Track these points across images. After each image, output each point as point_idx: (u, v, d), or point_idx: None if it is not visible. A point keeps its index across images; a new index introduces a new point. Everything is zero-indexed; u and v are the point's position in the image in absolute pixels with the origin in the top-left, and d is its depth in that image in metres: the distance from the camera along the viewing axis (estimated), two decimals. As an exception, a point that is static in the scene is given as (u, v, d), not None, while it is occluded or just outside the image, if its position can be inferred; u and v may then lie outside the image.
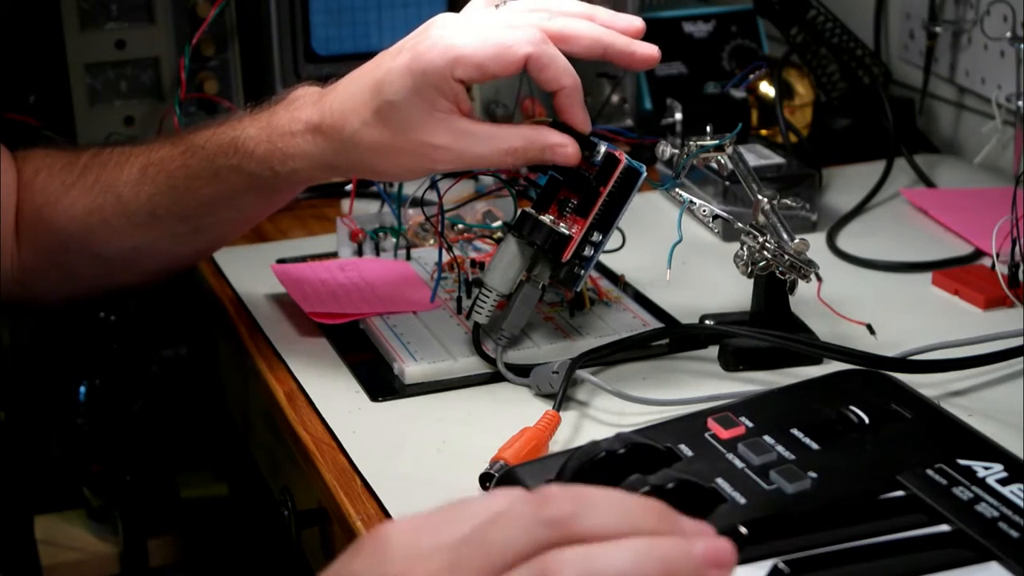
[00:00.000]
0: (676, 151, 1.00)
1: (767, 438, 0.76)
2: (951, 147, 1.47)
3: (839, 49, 1.43)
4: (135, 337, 1.42)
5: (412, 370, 0.96)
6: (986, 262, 1.15)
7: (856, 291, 1.10)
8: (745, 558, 0.64)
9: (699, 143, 0.99)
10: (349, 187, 1.20)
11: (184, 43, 1.32)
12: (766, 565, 0.64)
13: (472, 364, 0.97)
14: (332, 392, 0.96)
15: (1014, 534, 0.66)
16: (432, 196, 1.04)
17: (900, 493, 0.70)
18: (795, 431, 0.76)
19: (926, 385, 0.92)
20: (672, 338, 1.01)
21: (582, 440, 0.84)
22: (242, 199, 0.99)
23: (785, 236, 0.96)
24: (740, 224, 0.97)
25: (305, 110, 0.94)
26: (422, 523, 0.58)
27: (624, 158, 0.92)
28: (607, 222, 0.92)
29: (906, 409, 0.79)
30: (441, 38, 0.88)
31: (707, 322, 1.02)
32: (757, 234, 0.96)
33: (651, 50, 0.91)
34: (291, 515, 0.95)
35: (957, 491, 0.70)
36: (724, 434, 0.77)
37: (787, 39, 1.43)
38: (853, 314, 1.01)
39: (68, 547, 1.49)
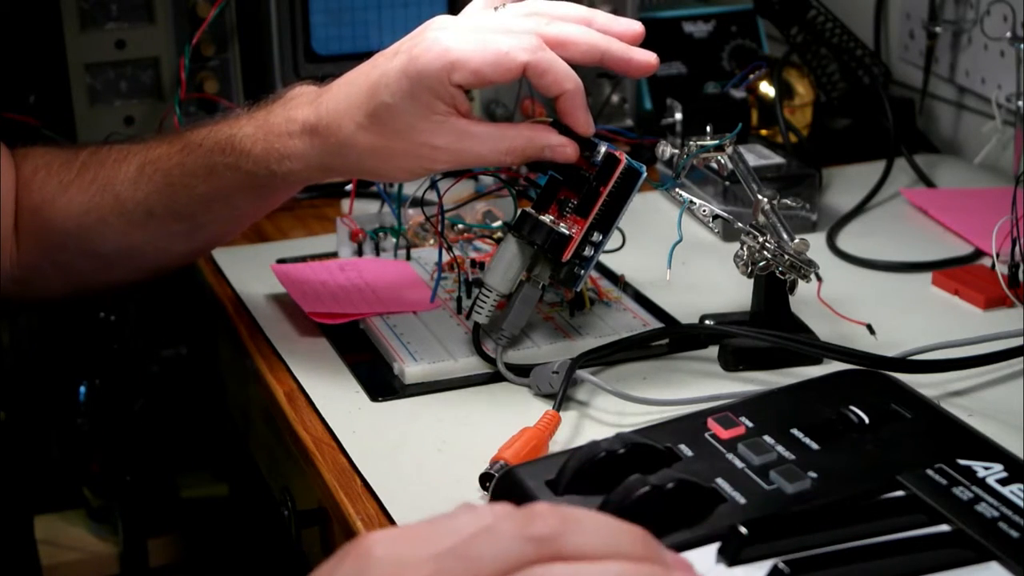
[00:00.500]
0: (676, 151, 1.00)
1: (767, 438, 0.76)
2: (951, 147, 1.47)
3: (839, 49, 1.43)
4: (135, 337, 1.42)
5: (412, 370, 0.96)
6: (986, 262, 1.15)
7: (856, 291, 1.10)
8: (745, 558, 0.64)
9: (699, 143, 0.99)
10: (349, 187, 1.20)
11: (184, 43, 1.31)
12: (766, 565, 0.64)
13: (472, 364, 0.97)
14: (332, 392, 0.96)
15: (1014, 534, 0.66)
16: (432, 196, 1.04)
17: (900, 493, 0.70)
18: (795, 431, 0.76)
19: (926, 385, 0.92)
20: (672, 338, 1.01)
21: (582, 440, 0.84)
22: (239, 197, 0.99)
23: (785, 236, 0.96)
24: (740, 224, 0.97)
25: (301, 110, 0.94)
26: (407, 533, 0.58)
27: (624, 158, 0.92)
28: (607, 222, 0.92)
29: (906, 409, 0.79)
30: (437, 41, 0.88)
31: (707, 322, 1.02)
32: (757, 234, 0.96)
33: (649, 57, 0.91)
34: (291, 515, 0.95)
35: (957, 491, 0.70)
36: (724, 434, 0.77)
37: (787, 39, 1.43)
38: (853, 314, 1.01)
39: (68, 547, 1.49)
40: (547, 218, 0.92)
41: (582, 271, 0.93)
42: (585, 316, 1.03)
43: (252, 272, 1.15)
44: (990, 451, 0.74)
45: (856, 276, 1.15)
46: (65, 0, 1.29)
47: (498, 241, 1.05)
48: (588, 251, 0.92)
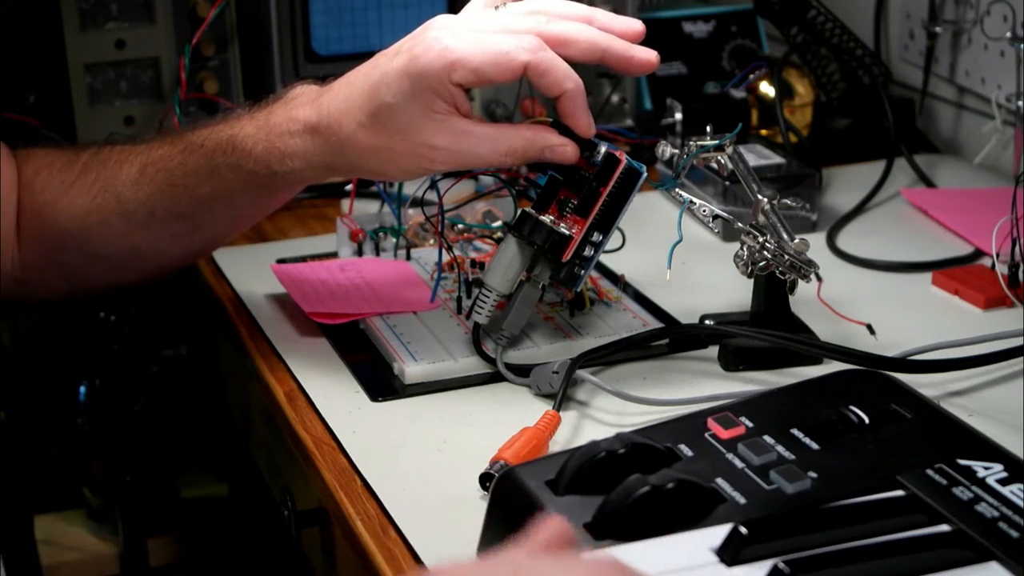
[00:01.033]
0: (676, 151, 1.00)
1: (767, 438, 0.76)
2: (951, 147, 1.47)
3: (839, 49, 1.43)
4: (135, 337, 1.42)
5: (412, 370, 0.96)
6: (986, 262, 1.15)
7: (856, 291, 1.10)
8: (745, 558, 0.64)
9: (699, 143, 0.99)
10: (349, 187, 1.20)
11: (184, 43, 1.31)
12: (766, 565, 0.64)
13: (472, 364, 0.97)
14: (332, 392, 0.96)
15: (1014, 534, 0.66)
16: (432, 196, 1.04)
17: (900, 493, 0.70)
18: (795, 431, 0.76)
19: (926, 385, 0.92)
20: (672, 338, 1.01)
21: (582, 440, 0.84)
22: (240, 197, 0.99)
23: (785, 236, 0.96)
24: (740, 224, 0.97)
25: (302, 109, 0.94)
26: (462, 571, 0.57)
27: (624, 158, 0.92)
28: (607, 222, 0.92)
29: (906, 409, 0.79)
30: (438, 40, 0.88)
31: (707, 322, 1.02)
32: (757, 234, 0.96)
33: (649, 55, 0.91)
34: (291, 515, 0.95)
35: (957, 491, 0.70)
36: (724, 434, 0.76)
37: (787, 39, 1.43)
38: (853, 314, 1.01)
39: (68, 547, 1.49)
40: (547, 218, 0.92)
41: (582, 271, 0.93)
42: (585, 316, 1.03)
43: (252, 272, 1.15)
44: (990, 451, 0.74)
45: (856, 276, 1.15)
46: (65, 0, 1.29)
47: (498, 241, 1.04)
48: (588, 251, 0.92)
